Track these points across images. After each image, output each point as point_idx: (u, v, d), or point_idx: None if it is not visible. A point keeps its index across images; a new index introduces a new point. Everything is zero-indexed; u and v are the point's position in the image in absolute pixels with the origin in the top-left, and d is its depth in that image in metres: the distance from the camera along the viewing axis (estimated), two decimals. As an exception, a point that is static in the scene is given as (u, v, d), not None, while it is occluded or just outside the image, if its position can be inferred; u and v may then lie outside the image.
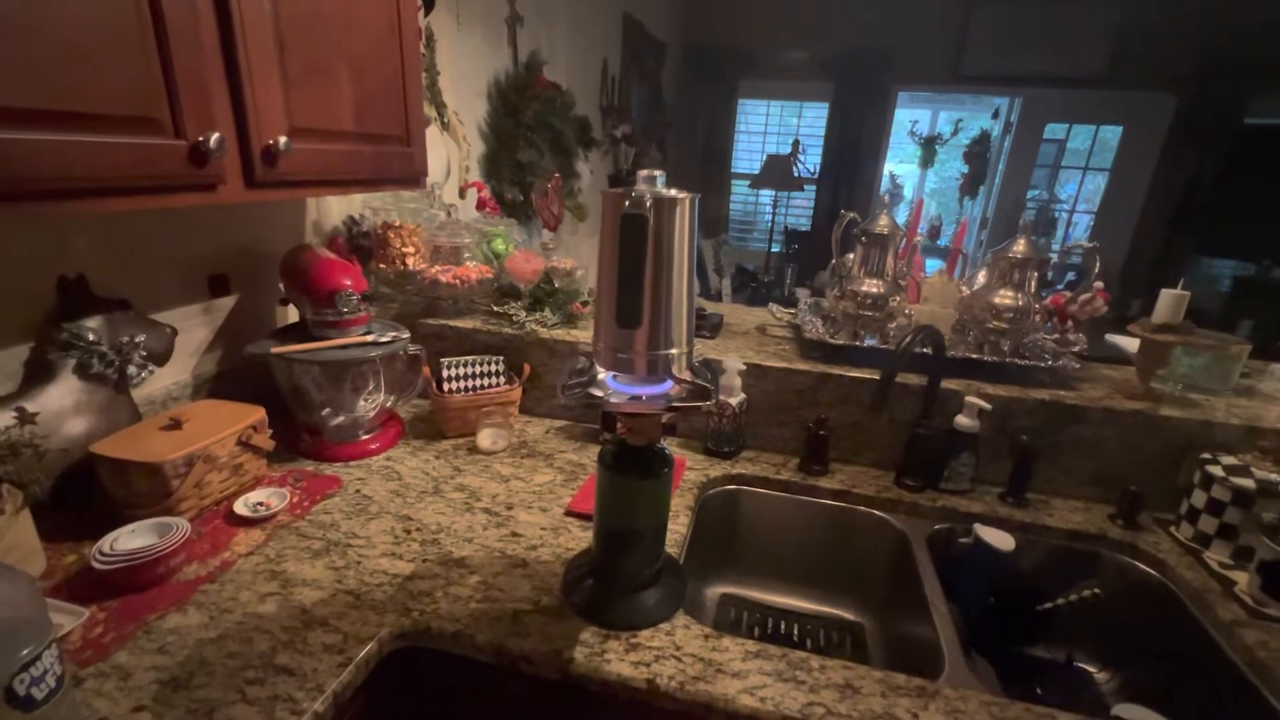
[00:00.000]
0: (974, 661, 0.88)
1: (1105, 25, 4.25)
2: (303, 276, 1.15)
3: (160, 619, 0.77)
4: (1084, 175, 5.06)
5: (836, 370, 1.24)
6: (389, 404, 1.23)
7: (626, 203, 0.64)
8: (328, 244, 1.44)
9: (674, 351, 0.71)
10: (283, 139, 0.85)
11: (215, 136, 0.75)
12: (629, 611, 0.82)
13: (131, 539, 0.83)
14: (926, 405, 1.17)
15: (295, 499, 1.03)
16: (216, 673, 0.70)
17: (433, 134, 1.79)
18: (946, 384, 1.18)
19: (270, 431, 1.06)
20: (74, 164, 0.64)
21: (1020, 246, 1.23)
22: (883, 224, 1.27)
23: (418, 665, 0.81)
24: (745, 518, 1.23)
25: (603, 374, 0.73)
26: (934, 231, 5.11)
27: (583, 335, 1.37)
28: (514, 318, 1.40)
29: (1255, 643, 0.86)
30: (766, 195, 5.29)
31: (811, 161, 5.15)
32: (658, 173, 0.68)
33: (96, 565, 0.78)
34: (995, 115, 5.00)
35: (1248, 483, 0.99)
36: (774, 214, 5.26)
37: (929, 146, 5.12)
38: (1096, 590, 1.08)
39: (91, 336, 0.93)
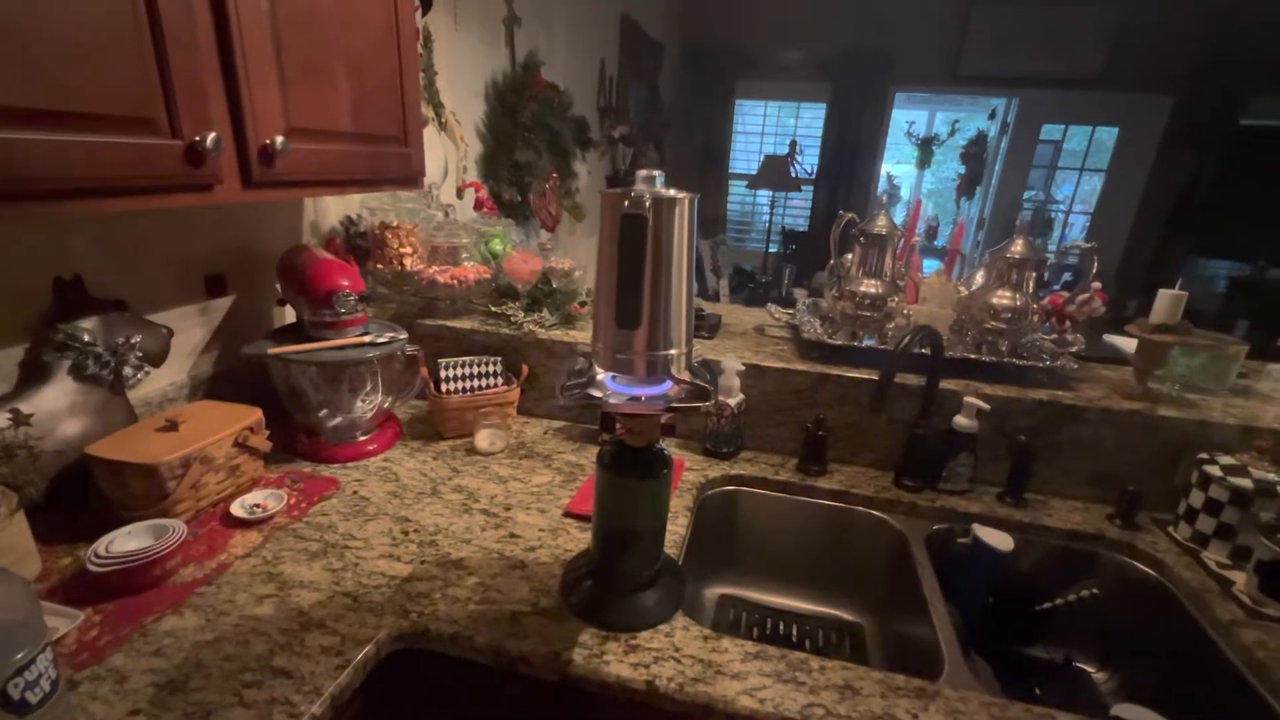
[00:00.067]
0: (973, 662, 0.88)
1: (1102, 26, 4.26)
2: (300, 277, 1.14)
3: (156, 622, 0.76)
4: (1080, 176, 5.07)
5: (835, 371, 1.24)
6: (386, 405, 1.23)
7: (626, 203, 0.64)
8: (325, 244, 1.44)
9: (673, 352, 0.71)
10: (280, 139, 0.85)
11: (212, 136, 0.74)
12: (628, 613, 0.82)
13: (127, 541, 0.82)
14: (925, 405, 1.17)
15: (292, 500, 1.02)
16: (213, 676, 0.69)
17: (430, 134, 1.78)
18: (945, 384, 1.18)
19: (267, 433, 1.06)
20: (70, 164, 0.63)
21: (1018, 247, 1.23)
22: (881, 224, 1.27)
23: (416, 667, 0.81)
24: (744, 518, 1.23)
25: (601, 375, 0.73)
26: (931, 232, 5.12)
27: (581, 336, 1.37)
28: (512, 318, 1.40)
29: (1253, 642, 0.86)
30: (764, 196, 5.29)
31: (809, 162, 5.16)
32: (657, 173, 0.68)
33: (92, 568, 0.78)
34: (992, 116, 5.01)
35: (1245, 483, 0.99)
36: (771, 214, 5.27)
37: (926, 147, 5.13)
38: (1095, 590, 1.08)
39: (87, 337, 0.93)
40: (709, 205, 5.40)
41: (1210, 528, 1.03)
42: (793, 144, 5.01)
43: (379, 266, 1.45)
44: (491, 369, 1.32)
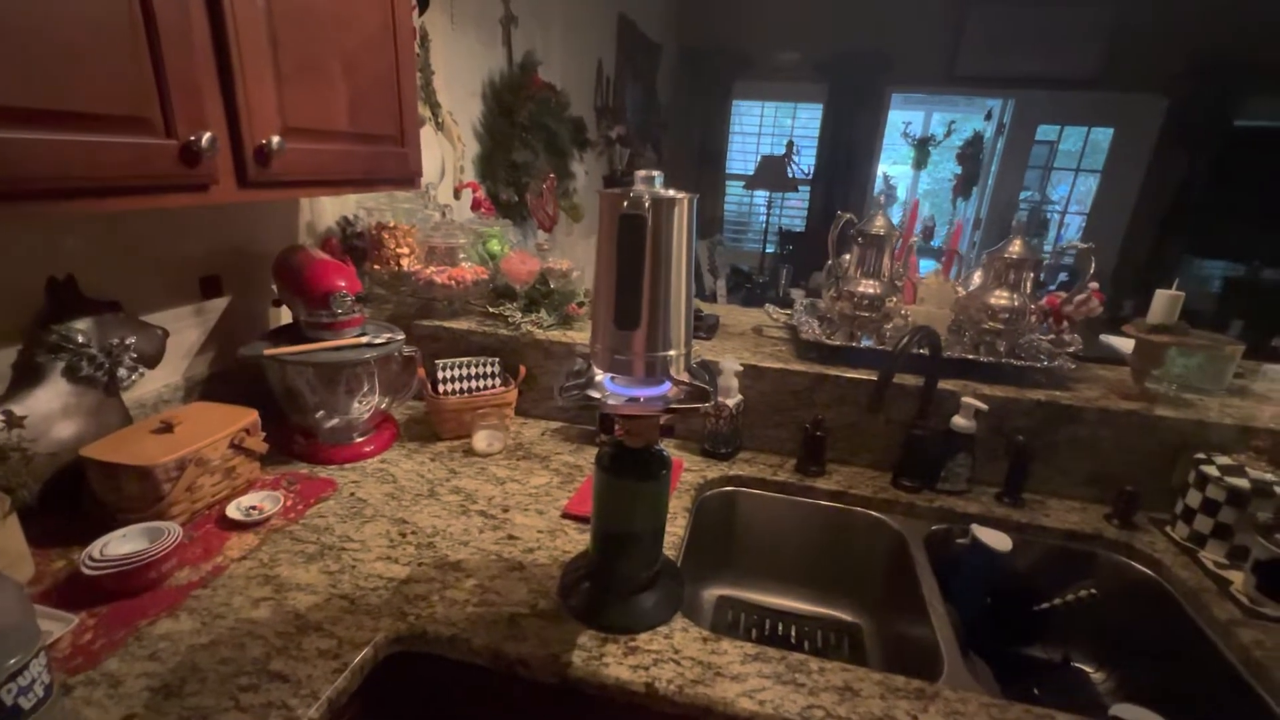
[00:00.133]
0: (972, 662, 0.88)
1: (1097, 27, 4.28)
2: (296, 278, 1.14)
3: (151, 625, 0.75)
4: (1076, 177, 5.09)
5: (833, 371, 1.24)
6: (383, 406, 1.22)
7: (625, 203, 0.64)
8: (321, 245, 1.43)
9: (672, 353, 0.70)
10: (275, 138, 0.84)
11: (207, 136, 0.74)
12: (627, 614, 0.81)
13: (122, 544, 0.81)
14: (923, 406, 1.17)
15: (289, 502, 1.02)
16: (209, 679, 0.69)
17: (427, 134, 1.78)
18: (943, 385, 1.18)
19: (263, 434, 1.05)
20: (65, 163, 0.63)
21: (1016, 247, 1.23)
22: (879, 225, 1.27)
23: (414, 670, 0.80)
24: (742, 519, 1.23)
25: (600, 375, 0.73)
26: (927, 232, 5.14)
27: (579, 336, 1.36)
28: (509, 319, 1.39)
29: (1251, 642, 0.86)
30: (761, 196, 5.30)
31: (806, 162, 5.17)
32: (656, 173, 0.67)
33: (86, 571, 0.77)
34: (988, 117, 5.02)
35: (1242, 482, 0.99)
36: (768, 215, 5.27)
37: (922, 148, 5.14)
38: (1092, 590, 1.08)
39: (81, 339, 0.92)
40: (706, 205, 5.41)
41: (1208, 527, 1.03)
42: (790, 144, 5.02)
43: (376, 267, 1.44)
44: (489, 370, 1.32)
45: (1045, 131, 4.88)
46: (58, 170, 0.62)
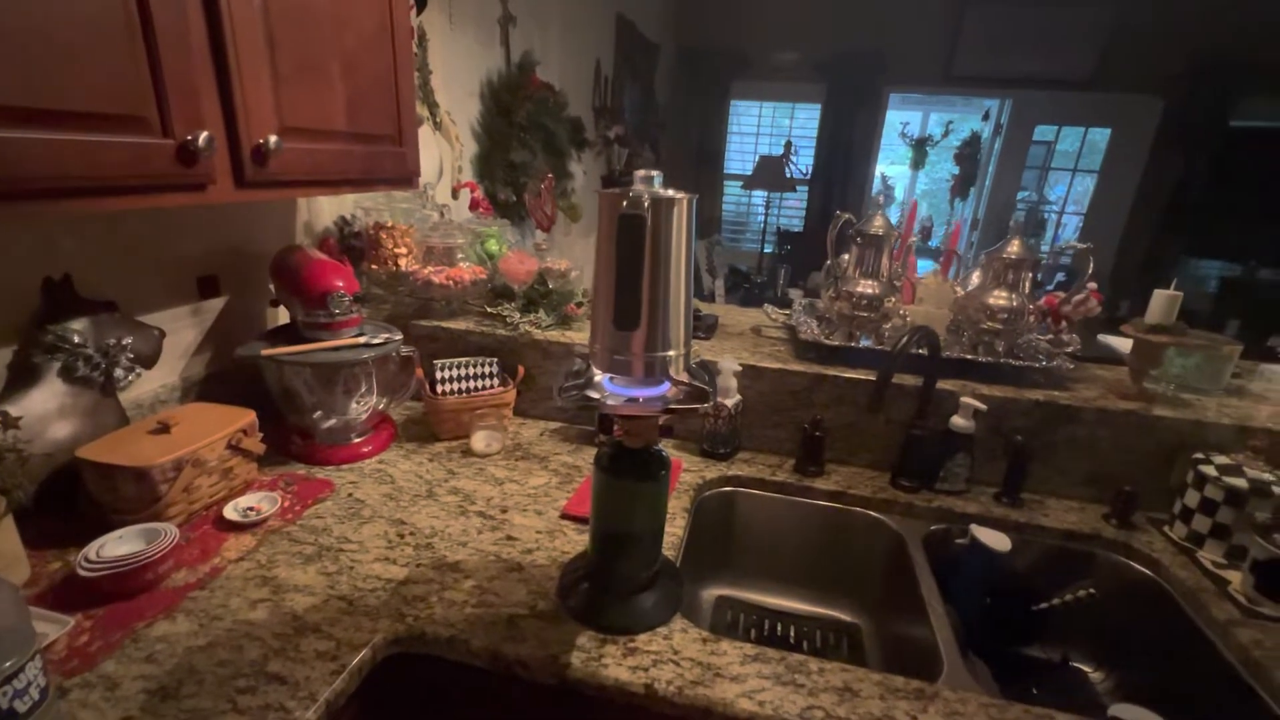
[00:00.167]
0: (971, 662, 0.88)
1: (1094, 28, 4.29)
2: (294, 277, 1.13)
3: (148, 627, 0.75)
4: (1073, 177, 5.10)
5: (832, 371, 1.24)
6: (381, 406, 1.22)
7: (624, 203, 0.64)
8: (319, 245, 1.43)
9: (671, 353, 0.70)
10: (273, 138, 0.84)
11: (204, 135, 0.73)
12: (626, 615, 0.81)
13: (118, 545, 0.81)
14: (922, 406, 1.17)
15: (286, 503, 1.01)
16: (206, 681, 0.68)
17: (425, 134, 1.77)
18: (941, 385, 1.18)
19: (261, 435, 1.05)
20: (61, 163, 0.62)
21: (1014, 247, 1.23)
22: (878, 225, 1.27)
23: (412, 671, 0.80)
24: (741, 519, 1.23)
25: (599, 376, 0.72)
26: (925, 233, 5.14)
27: (577, 337, 1.36)
28: (508, 319, 1.39)
29: (1250, 641, 0.86)
30: (759, 196, 5.30)
31: (804, 163, 5.17)
32: (655, 173, 0.67)
33: (82, 573, 0.76)
34: (985, 117, 5.03)
35: (1240, 482, 0.99)
36: (766, 215, 5.27)
37: (920, 148, 5.15)
38: (1091, 590, 1.08)
39: (77, 339, 0.91)
40: (704, 206, 5.41)
41: (1206, 527, 1.03)
42: (788, 144, 5.02)
43: (373, 267, 1.44)
44: (487, 370, 1.32)
45: (1043, 132, 4.89)
46: (54, 170, 0.62)
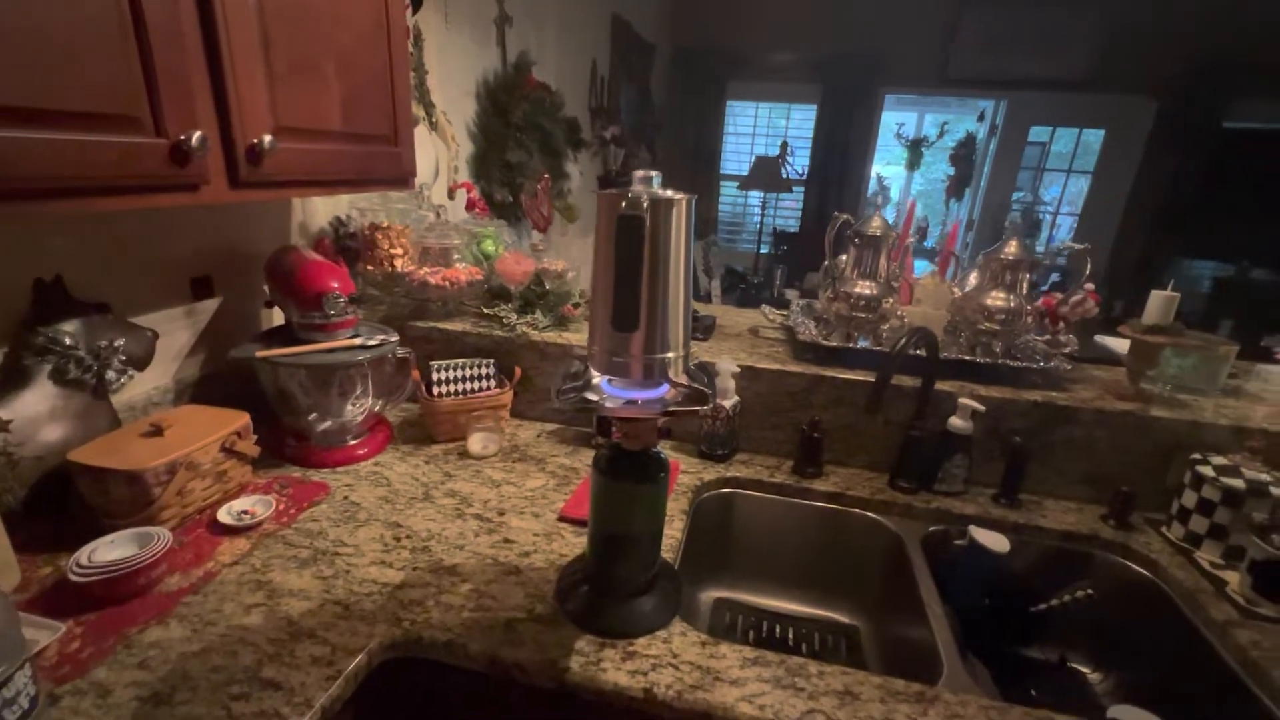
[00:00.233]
0: (970, 664, 0.88)
1: (1088, 30, 4.30)
2: (288, 278, 1.12)
3: (141, 633, 0.74)
4: (1067, 178, 5.12)
5: (830, 372, 1.24)
6: (377, 408, 1.21)
7: (623, 204, 0.63)
8: (314, 245, 1.41)
9: (670, 355, 0.70)
10: (267, 138, 0.83)
11: (197, 135, 0.73)
12: (625, 619, 0.81)
13: (110, 550, 0.80)
14: (920, 407, 1.17)
15: (281, 506, 1.00)
16: (200, 688, 0.67)
17: (421, 134, 1.76)
18: (939, 386, 1.18)
19: (255, 437, 1.04)
20: (52, 163, 0.61)
21: (1012, 248, 1.23)
22: (875, 226, 1.27)
23: (409, 676, 0.79)
24: (739, 521, 1.22)
25: (597, 378, 0.72)
26: (920, 233, 5.15)
27: (574, 338, 1.36)
28: (504, 320, 1.38)
29: (1248, 642, 0.86)
30: (755, 196, 5.30)
31: (800, 163, 5.17)
32: (654, 173, 0.67)
33: (74, 578, 0.75)
34: (981, 118, 5.04)
35: (1238, 483, 1.00)
36: (763, 215, 5.28)
37: (915, 149, 5.16)
38: (1089, 591, 1.08)
39: (68, 341, 0.90)
40: (700, 206, 5.36)
41: (1203, 528, 1.04)
42: (784, 145, 5.02)
43: (369, 268, 1.43)
44: (484, 371, 1.31)
45: (1037, 133, 4.91)
46: (45, 169, 0.61)
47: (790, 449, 1.27)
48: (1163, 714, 0.85)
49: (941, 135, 5.08)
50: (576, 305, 1.44)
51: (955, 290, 1.34)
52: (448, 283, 1.38)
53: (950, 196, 5.11)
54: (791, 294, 4.32)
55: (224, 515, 0.95)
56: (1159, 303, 1.15)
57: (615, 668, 0.74)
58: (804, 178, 5.20)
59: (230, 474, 1.01)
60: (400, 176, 1.17)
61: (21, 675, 0.53)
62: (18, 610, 0.57)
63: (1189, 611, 0.97)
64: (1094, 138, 4.79)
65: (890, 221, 1.31)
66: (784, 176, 4.84)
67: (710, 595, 1.23)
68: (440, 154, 1.94)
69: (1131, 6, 4.14)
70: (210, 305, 1.21)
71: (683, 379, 0.72)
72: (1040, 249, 5.04)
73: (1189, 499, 1.06)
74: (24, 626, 0.57)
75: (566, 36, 2.89)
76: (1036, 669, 1.12)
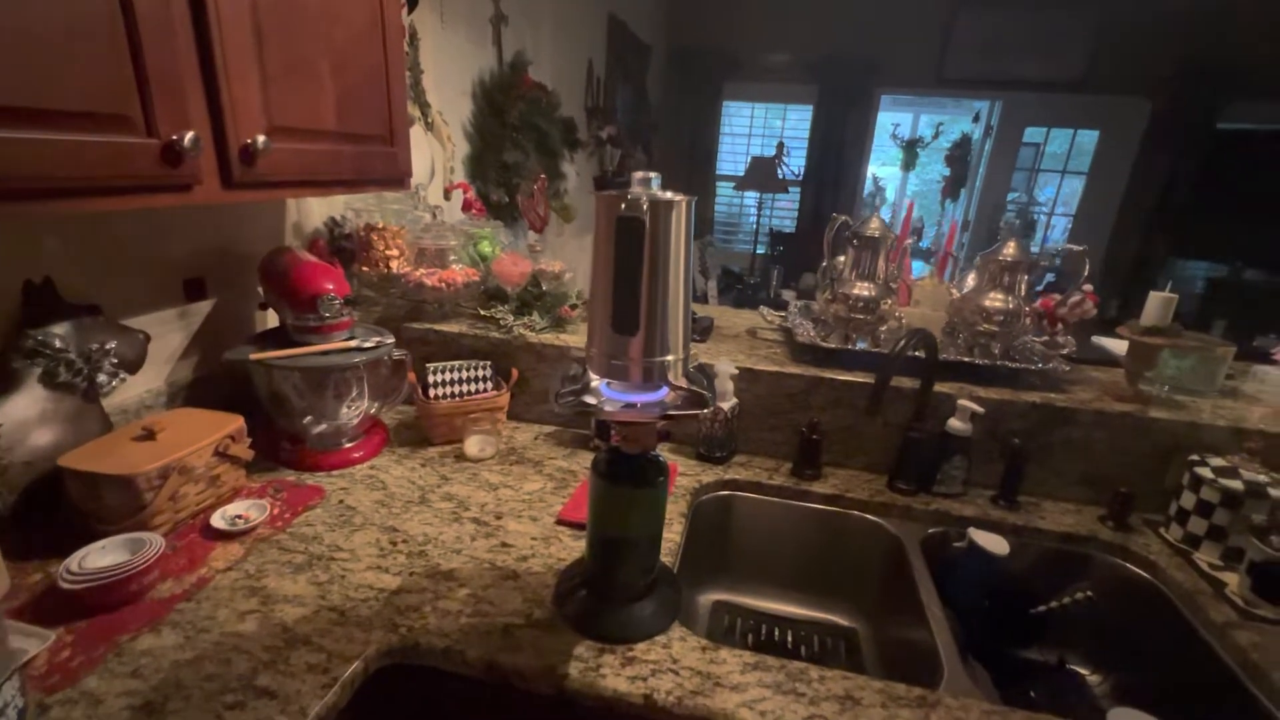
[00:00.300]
0: (970, 667, 0.88)
1: (1083, 32, 4.32)
2: (283, 280, 1.11)
3: (133, 640, 0.73)
4: (1062, 179, 5.14)
5: (828, 374, 1.23)
6: (373, 411, 1.20)
7: (623, 205, 0.62)
8: (308, 246, 1.40)
9: (670, 358, 0.69)
10: (261, 138, 0.82)
11: (190, 135, 0.71)
12: (624, 623, 0.80)
13: (102, 556, 0.79)
14: (919, 409, 1.17)
15: (276, 511, 0.99)
16: (193, 697, 0.66)
17: (416, 134, 1.75)
18: (938, 387, 1.18)
19: (249, 440, 1.03)
20: (42, 163, 0.60)
21: (1010, 249, 1.23)
22: (874, 227, 1.27)
23: (406, 683, 0.79)
24: (738, 524, 1.22)
25: (596, 381, 0.71)
26: (916, 234, 5.16)
27: (572, 339, 1.35)
28: (501, 321, 1.37)
29: (1249, 644, 0.86)
30: (751, 197, 5.30)
31: (796, 164, 5.17)
32: (653, 175, 0.66)
33: (64, 585, 0.74)
34: (976, 119, 5.06)
35: (1236, 484, 1.00)
36: (759, 216, 5.28)
37: (911, 149, 5.17)
38: (1088, 592, 1.08)
39: (59, 343, 0.89)
40: (697, 206, 5.39)
41: (1202, 529, 1.04)
42: (780, 145, 5.02)
43: (364, 269, 1.42)
44: (481, 373, 1.30)
45: (1032, 134, 4.93)
46: (34, 170, 0.60)
47: (789, 451, 1.26)
48: (1162, 716, 0.84)
49: (937, 136, 5.09)
50: (574, 306, 1.43)
51: (953, 291, 1.34)
52: (444, 284, 1.37)
53: (946, 197, 5.12)
54: (788, 295, 4.32)
55: (217, 520, 0.93)
56: (1157, 304, 1.15)
57: (615, 673, 0.74)
58: (800, 178, 5.20)
59: (224, 478, 1.00)
60: (396, 177, 1.16)
61: (10, 686, 0.52)
62: (6, 618, 0.56)
63: (1188, 613, 0.97)
64: (1088, 139, 4.81)
65: (885, 222, 1.31)
66: (780, 177, 4.84)
67: (709, 598, 1.22)
68: (436, 154, 1.93)
69: (1125, 8, 4.15)
70: (203, 307, 1.20)
71: (682, 382, 0.71)
72: (1035, 250, 5.05)
73: (1187, 500, 1.06)
74: (13, 635, 0.56)
75: (562, 36, 2.88)
76: (1036, 671, 1.12)
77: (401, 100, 1.13)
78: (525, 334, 1.35)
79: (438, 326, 1.38)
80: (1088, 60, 4.37)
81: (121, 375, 0.97)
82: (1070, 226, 5.02)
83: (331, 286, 1.12)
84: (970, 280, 1.32)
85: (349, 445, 1.18)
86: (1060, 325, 1.30)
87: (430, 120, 1.86)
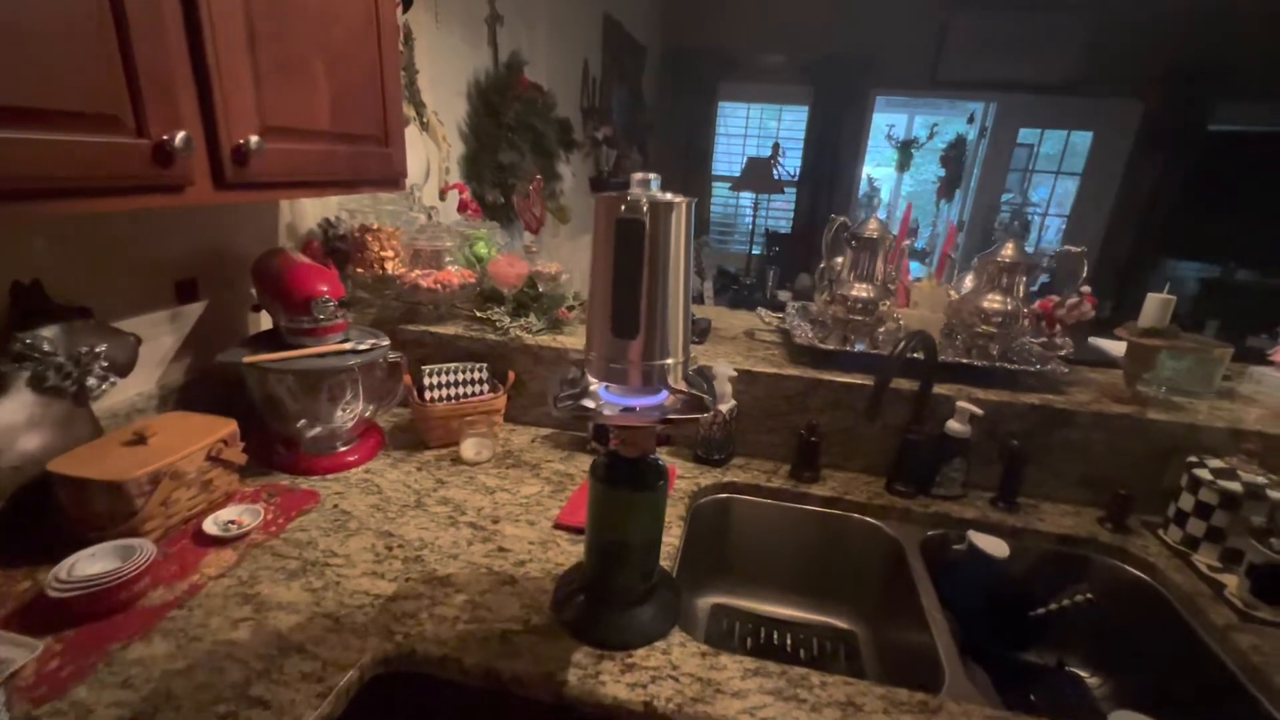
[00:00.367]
0: (971, 670, 0.87)
1: (1076, 34, 4.34)
2: (276, 282, 1.10)
3: (123, 649, 0.72)
4: (1055, 179, 5.16)
5: (826, 375, 1.23)
6: (368, 414, 1.19)
7: (622, 207, 0.62)
8: (302, 248, 1.39)
9: (669, 361, 0.68)
10: (254, 138, 0.81)
11: (181, 135, 0.70)
12: (623, 629, 0.79)
13: (91, 563, 0.77)
14: (918, 411, 1.16)
15: (269, 516, 0.98)
16: (185, 707, 0.65)
17: (411, 134, 1.74)
18: (936, 389, 1.17)
19: (242, 444, 1.01)
20: (30, 163, 0.59)
21: (1009, 250, 1.23)
22: (872, 228, 1.27)
23: (402, 692, 0.77)
24: (737, 526, 1.21)
25: (595, 384, 0.70)
26: (911, 234, 5.17)
27: (569, 341, 1.34)
28: (497, 323, 1.36)
29: (1249, 647, 0.86)
30: (747, 198, 5.30)
31: (791, 164, 5.18)
32: (652, 176, 0.65)
33: (52, 593, 0.73)
34: (970, 120, 5.07)
35: (1235, 485, 1.00)
36: (755, 216, 5.28)
37: (905, 150, 5.18)
38: (1088, 595, 1.08)
39: (47, 347, 0.87)
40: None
41: (1201, 531, 1.03)
42: (775, 146, 5.02)
43: (359, 270, 1.40)
44: (477, 376, 1.29)
45: (1026, 135, 4.95)
46: (21, 170, 0.59)
47: (787, 453, 1.26)
48: (1162, 718, 0.85)
49: (931, 137, 5.10)
50: (571, 308, 1.42)
51: (952, 293, 1.34)
52: (439, 285, 1.36)
53: (941, 198, 5.13)
54: (784, 295, 4.32)
55: (210, 526, 0.92)
56: (1155, 305, 1.15)
57: (614, 680, 0.73)
58: (795, 179, 5.20)
59: (216, 483, 0.98)
60: (391, 177, 1.15)
61: (-5, 699, 0.51)
62: (-8, 630, 0.55)
63: (1187, 615, 0.97)
64: (1082, 140, 4.84)
65: (884, 223, 1.30)
66: (775, 178, 4.84)
67: (708, 601, 1.21)
68: (431, 155, 1.91)
69: (1118, 11, 4.18)
70: (196, 309, 1.18)
71: (682, 385, 0.70)
72: (1029, 250, 5.06)
73: (1186, 502, 1.06)
74: (0, 645, 0.55)
75: (558, 36, 2.87)
76: (1035, 673, 1.11)
77: (396, 100, 1.12)
78: (522, 336, 1.34)
79: (433, 328, 1.36)
80: (1081, 62, 4.39)
81: (112, 379, 0.95)
82: (1064, 227, 5.05)
83: (326, 288, 1.10)
84: (968, 282, 1.32)
85: (344, 449, 1.16)
86: (1058, 327, 1.30)
87: (425, 120, 1.85)
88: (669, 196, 0.64)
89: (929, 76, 4.70)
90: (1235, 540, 1.00)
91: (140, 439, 0.91)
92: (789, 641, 1.15)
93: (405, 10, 1.67)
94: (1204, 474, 1.03)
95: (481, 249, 1.50)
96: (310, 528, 0.97)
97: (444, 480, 1.14)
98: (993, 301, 1.24)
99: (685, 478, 1.19)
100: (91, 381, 0.91)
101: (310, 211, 1.45)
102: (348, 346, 1.12)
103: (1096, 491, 1.17)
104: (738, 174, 4.95)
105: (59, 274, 0.93)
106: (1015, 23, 4.38)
